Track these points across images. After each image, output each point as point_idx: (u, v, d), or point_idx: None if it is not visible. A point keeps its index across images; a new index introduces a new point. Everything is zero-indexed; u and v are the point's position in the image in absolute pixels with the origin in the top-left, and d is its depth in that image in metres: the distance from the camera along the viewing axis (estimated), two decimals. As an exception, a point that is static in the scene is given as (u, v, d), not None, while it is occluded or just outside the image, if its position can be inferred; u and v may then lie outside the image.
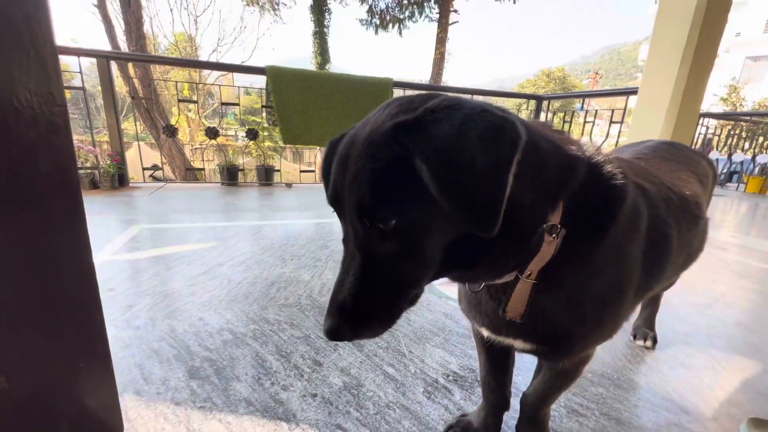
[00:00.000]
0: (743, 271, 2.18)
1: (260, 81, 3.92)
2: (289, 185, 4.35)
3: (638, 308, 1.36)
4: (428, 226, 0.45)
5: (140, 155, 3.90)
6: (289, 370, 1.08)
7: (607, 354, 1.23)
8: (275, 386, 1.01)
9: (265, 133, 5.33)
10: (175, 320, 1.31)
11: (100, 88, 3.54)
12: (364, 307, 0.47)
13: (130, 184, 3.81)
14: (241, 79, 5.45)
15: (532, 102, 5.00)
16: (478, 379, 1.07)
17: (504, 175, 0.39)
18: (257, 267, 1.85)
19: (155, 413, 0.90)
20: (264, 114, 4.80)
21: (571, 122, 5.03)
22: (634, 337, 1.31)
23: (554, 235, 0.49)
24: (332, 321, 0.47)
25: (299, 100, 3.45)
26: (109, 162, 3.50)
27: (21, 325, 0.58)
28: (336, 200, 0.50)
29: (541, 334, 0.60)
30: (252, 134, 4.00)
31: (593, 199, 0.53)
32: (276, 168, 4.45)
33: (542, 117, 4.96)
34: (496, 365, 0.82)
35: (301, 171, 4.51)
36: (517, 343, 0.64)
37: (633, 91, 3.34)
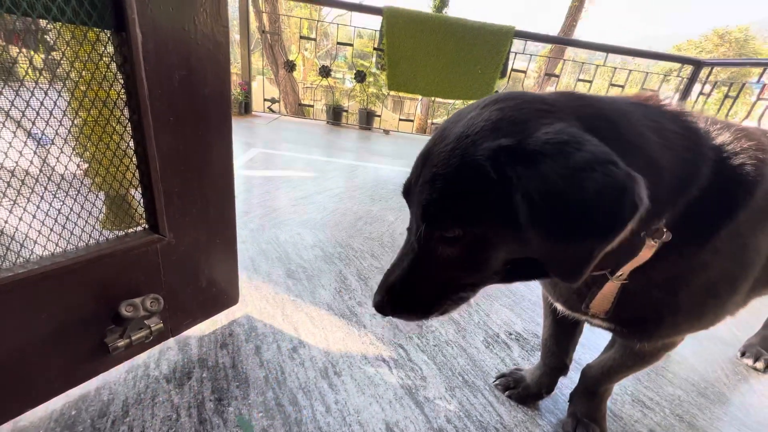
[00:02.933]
0: None
1: (374, 23, 3.92)
2: (386, 132, 4.45)
3: (762, 315, 1.16)
4: (496, 245, 0.44)
5: (263, 88, 4.35)
6: (365, 290, 1.22)
7: (700, 362, 1.11)
8: (352, 300, 1.16)
9: (371, 79, 5.40)
10: (279, 230, 1.55)
11: (236, 21, 3.95)
12: (407, 296, 0.50)
13: (253, 113, 4.33)
14: (357, 19, 5.49)
15: (687, 68, 4.06)
16: (540, 343, 1.08)
17: (611, 240, 0.36)
18: (349, 201, 2.02)
19: (260, 295, 1.12)
20: (374, 58, 4.84)
21: (735, 100, 3.99)
22: (742, 355, 1.14)
23: (656, 240, 0.46)
24: (379, 297, 0.52)
25: (410, 44, 3.37)
26: (238, 90, 4.00)
27: (186, 200, 0.77)
28: (408, 191, 0.50)
29: (624, 318, 0.58)
30: (360, 76, 4.11)
31: (714, 196, 0.46)
32: (377, 113, 4.56)
33: (696, 89, 4.02)
34: (561, 332, 0.81)
35: (400, 119, 4.55)
36: (594, 322, 0.63)
37: None
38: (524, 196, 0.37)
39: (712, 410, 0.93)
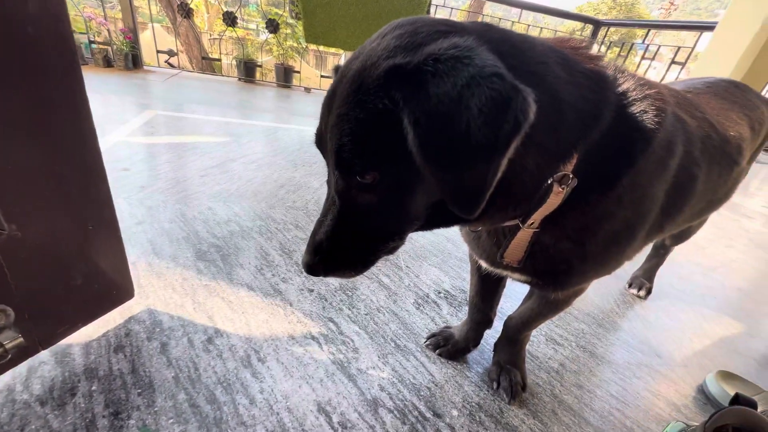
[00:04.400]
0: (763, 241, 2.11)
1: (285, -38, 3.46)
2: (308, 90, 4.14)
3: (644, 251, 1.35)
4: (412, 186, 0.41)
5: (154, 37, 3.67)
6: (290, 265, 1.13)
7: (598, 297, 1.26)
8: (276, 277, 1.07)
9: (288, 31, 4.89)
10: (186, 206, 1.35)
11: (109, -52, 3.18)
12: (337, 251, 0.47)
13: (144, 67, 3.67)
14: (265, -42, 4.81)
15: (589, 28, 4.38)
16: (467, 298, 1.12)
17: (498, 159, 0.34)
18: (268, 168, 1.84)
19: (164, 283, 0.97)
20: (287, 5, 4.34)
21: (626, 58, 4.47)
22: (629, 285, 1.32)
23: (564, 186, 0.45)
24: (308, 258, 0.48)
25: (326, -10, 3.06)
26: (122, 39, 3.32)
27: (29, 180, 0.58)
28: (320, 141, 0.46)
29: (539, 270, 0.59)
30: (272, 26, 3.68)
31: (616, 142, 0.47)
32: (296, 69, 4.19)
33: (595, 48, 4.39)
34: (486, 288, 0.83)
35: (322, 76, 4.25)
36: (514, 276, 0.64)
37: (709, 27, 2.88)
38: (410, 122, 0.34)
39: (607, 338, 1.07)
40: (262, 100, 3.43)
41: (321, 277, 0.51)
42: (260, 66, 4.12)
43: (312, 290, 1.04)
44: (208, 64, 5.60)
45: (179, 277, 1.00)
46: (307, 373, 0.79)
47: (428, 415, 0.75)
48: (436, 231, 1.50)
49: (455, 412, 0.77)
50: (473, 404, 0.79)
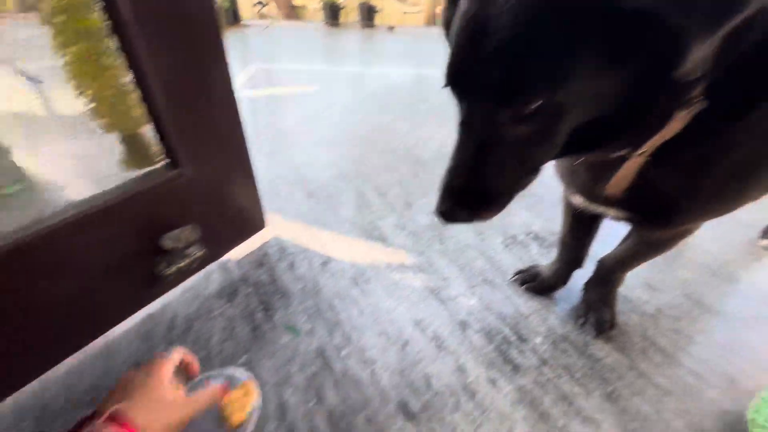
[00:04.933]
0: None
1: None
2: (391, 28, 4.01)
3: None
4: (570, 107, 0.39)
5: (247, -12, 3.85)
6: (384, 205, 1.25)
7: (716, 245, 1.13)
8: (373, 215, 1.20)
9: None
10: (293, 152, 1.54)
11: None
12: (481, 193, 0.45)
13: (242, 22, 3.93)
14: None
15: None
16: (558, 240, 1.12)
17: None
18: (358, 114, 1.94)
19: (285, 218, 1.18)
20: (368, -67, 4.08)
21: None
22: (763, 236, 1.15)
23: (688, 110, 0.41)
24: (448, 204, 0.46)
25: None
26: (222, -5, 3.57)
27: (199, 131, 0.76)
28: (459, 78, 0.41)
29: (643, 205, 0.57)
30: (354, -38, 3.54)
31: (755, 63, 0.40)
32: (377, 8, 4.04)
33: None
34: (579, 228, 0.83)
35: (404, 13, 4.05)
36: (612, 212, 0.62)
37: None
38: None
39: (720, 288, 0.99)
40: (347, 43, 3.45)
41: (462, 223, 0.49)
42: (343, 8, 4.07)
43: (405, 227, 1.15)
44: (293, 11, 5.71)
45: (295, 213, 1.20)
46: (404, 295, 0.93)
47: (513, 338, 0.83)
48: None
49: (539, 339, 0.83)
50: (558, 335, 0.85)
